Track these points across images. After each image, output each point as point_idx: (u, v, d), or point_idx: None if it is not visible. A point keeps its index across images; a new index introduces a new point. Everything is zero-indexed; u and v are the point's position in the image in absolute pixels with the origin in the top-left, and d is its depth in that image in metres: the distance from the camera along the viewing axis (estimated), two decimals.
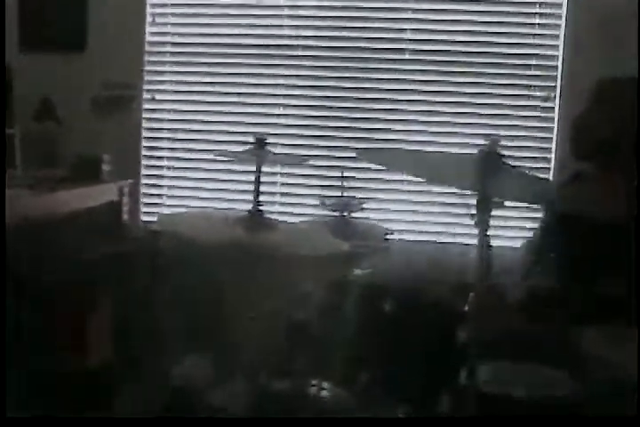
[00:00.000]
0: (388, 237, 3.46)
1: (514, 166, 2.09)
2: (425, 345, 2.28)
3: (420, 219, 4.18)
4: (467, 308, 2.18)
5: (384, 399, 2.28)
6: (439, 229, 4.12)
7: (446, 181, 2.21)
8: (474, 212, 2.04)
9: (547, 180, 3.07)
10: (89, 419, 2.45)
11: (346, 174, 3.73)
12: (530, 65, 4.09)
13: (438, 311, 2.34)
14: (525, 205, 2.96)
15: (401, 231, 4.02)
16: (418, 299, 2.40)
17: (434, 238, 4.06)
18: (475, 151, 2.07)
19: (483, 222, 2.04)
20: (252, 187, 2.98)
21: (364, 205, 3.64)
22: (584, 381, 2.35)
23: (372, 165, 3.45)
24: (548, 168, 4.05)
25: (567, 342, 2.62)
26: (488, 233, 2.05)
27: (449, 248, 3.72)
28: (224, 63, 4.34)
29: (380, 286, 2.46)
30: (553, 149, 4.04)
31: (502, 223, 3.83)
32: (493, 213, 2.03)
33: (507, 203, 2.06)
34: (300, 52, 4.28)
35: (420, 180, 3.38)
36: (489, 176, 2.03)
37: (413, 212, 4.18)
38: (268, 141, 2.98)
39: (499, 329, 2.52)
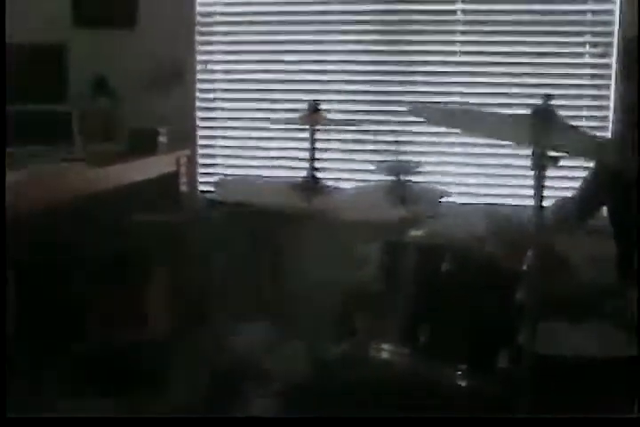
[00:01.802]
0: (444, 199, 3.45)
1: (568, 122, 2.08)
2: (482, 305, 2.27)
3: (476, 181, 4.15)
4: (525, 267, 2.18)
5: (443, 360, 2.28)
6: (495, 190, 4.09)
7: (501, 136, 2.19)
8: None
9: (599, 136, 3.03)
10: (90, 419, 2.48)
11: (401, 138, 3.73)
12: (585, 21, 4.03)
13: (496, 271, 2.34)
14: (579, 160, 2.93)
15: (457, 194, 4.00)
16: (475, 259, 2.39)
17: (490, 200, 4.04)
18: (528, 110, 2.06)
19: (538, 179, 2.03)
20: (307, 153, 2.99)
21: (421, 169, 3.63)
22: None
23: (425, 124, 3.39)
24: (606, 127, 4.00)
25: (626, 299, 2.60)
26: (543, 190, 2.04)
27: (505, 209, 3.69)
28: (274, 31, 4.32)
29: (437, 246, 2.45)
30: (610, 107, 3.98)
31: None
32: (549, 169, 2.02)
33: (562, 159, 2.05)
34: (352, 17, 4.25)
35: (473, 134, 3.36)
36: (543, 132, 2.02)
37: (469, 174, 4.16)
38: (320, 107, 2.98)
39: (557, 288, 2.51)
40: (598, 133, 3.83)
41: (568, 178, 3.57)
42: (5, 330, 2.64)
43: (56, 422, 2.35)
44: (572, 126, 2.14)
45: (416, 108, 2.54)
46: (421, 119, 2.99)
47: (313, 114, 2.91)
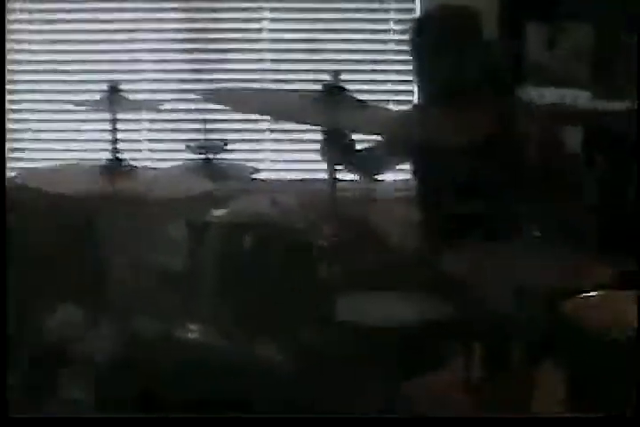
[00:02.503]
0: (253, 176, 3.47)
1: (358, 99, 2.12)
2: (287, 280, 2.31)
3: (285, 157, 4.19)
4: (324, 242, 2.23)
5: (250, 336, 2.31)
6: (304, 166, 4.13)
7: (294, 117, 2.22)
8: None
9: (390, 110, 3.10)
10: (90, 419, 2.42)
11: (208, 116, 3.72)
12: None
13: (298, 246, 2.37)
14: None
15: (267, 170, 4.03)
16: (278, 235, 2.42)
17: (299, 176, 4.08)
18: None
19: (331, 155, 2.08)
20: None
21: (230, 146, 3.64)
22: (450, 304, 2.42)
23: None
24: (410, 101, 4.10)
25: (430, 264, 2.68)
26: (337, 166, 2.09)
27: (313, 184, 3.75)
28: (76, 9, 4.20)
29: (240, 224, 2.47)
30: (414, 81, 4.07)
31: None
32: (342, 146, 2.07)
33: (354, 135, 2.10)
34: None
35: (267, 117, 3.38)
36: (334, 110, 2.06)
37: (278, 150, 4.20)
38: (121, 88, 2.95)
39: (368, 257, 2.58)
40: (403, 107, 3.94)
41: None
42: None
43: (56, 423, 2.29)
44: (363, 102, 2.19)
45: (207, 94, 2.54)
46: (215, 104, 2.99)
47: (113, 96, 2.88)
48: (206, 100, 2.57)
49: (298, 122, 2.27)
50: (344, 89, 2.04)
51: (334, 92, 2.03)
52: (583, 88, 3.60)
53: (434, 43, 2.89)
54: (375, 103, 2.48)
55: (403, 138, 2.86)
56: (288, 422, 2.16)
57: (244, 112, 3.30)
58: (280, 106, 2.16)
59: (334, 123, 2.00)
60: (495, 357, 2.65)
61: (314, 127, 3.89)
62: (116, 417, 2.40)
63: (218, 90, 2.51)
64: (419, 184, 3.23)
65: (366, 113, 2.16)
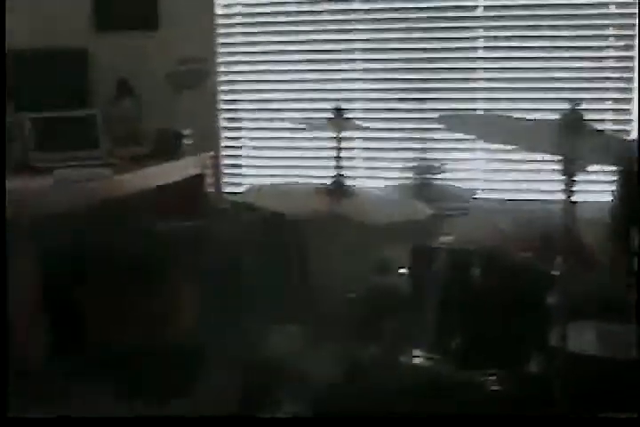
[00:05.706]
0: (473, 197, 3.42)
1: (596, 128, 2.07)
2: (514, 308, 2.27)
3: (505, 178, 4.10)
4: (555, 271, 2.18)
5: (477, 364, 2.28)
6: (524, 186, 4.04)
7: (530, 145, 2.17)
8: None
9: (628, 140, 2.99)
10: (89, 419, 2.47)
11: (428, 136, 3.70)
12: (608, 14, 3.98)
13: (526, 274, 2.33)
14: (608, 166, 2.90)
15: (486, 191, 3.96)
16: (504, 262, 2.38)
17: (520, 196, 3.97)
18: (555, 115, 2.06)
19: (568, 185, 2.03)
20: (329, 153, 2.97)
21: (448, 167, 3.61)
22: None
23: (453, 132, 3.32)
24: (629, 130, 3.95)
25: None
26: (573, 195, 2.04)
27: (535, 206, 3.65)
28: (296, 31, 4.30)
29: (466, 251, 2.44)
30: (634, 110, 3.93)
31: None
32: (577, 175, 2.02)
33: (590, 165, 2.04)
34: (374, 15, 4.20)
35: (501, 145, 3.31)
36: (572, 139, 2.01)
37: (496, 171, 4.11)
38: (345, 109, 2.97)
39: (587, 289, 2.50)
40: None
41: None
42: (7, 329, 2.64)
43: (56, 423, 2.35)
44: (601, 132, 2.13)
45: (444, 118, 2.53)
46: (449, 128, 2.96)
47: (338, 118, 2.90)
48: (443, 124, 2.52)
49: (535, 150, 2.22)
50: (584, 118, 1.99)
51: (574, 122, 1.98)
52: None
53: None
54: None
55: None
56: (290, 423, 2.13)
57: (481, 138, 3.22)
58: (515, 133, 2.12)
59: (575, 153, 1.94)
60: None
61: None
62: (117, 417, 2.41)
63: (453, 114, 2.48)
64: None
65: (604, 142, 2.09)
